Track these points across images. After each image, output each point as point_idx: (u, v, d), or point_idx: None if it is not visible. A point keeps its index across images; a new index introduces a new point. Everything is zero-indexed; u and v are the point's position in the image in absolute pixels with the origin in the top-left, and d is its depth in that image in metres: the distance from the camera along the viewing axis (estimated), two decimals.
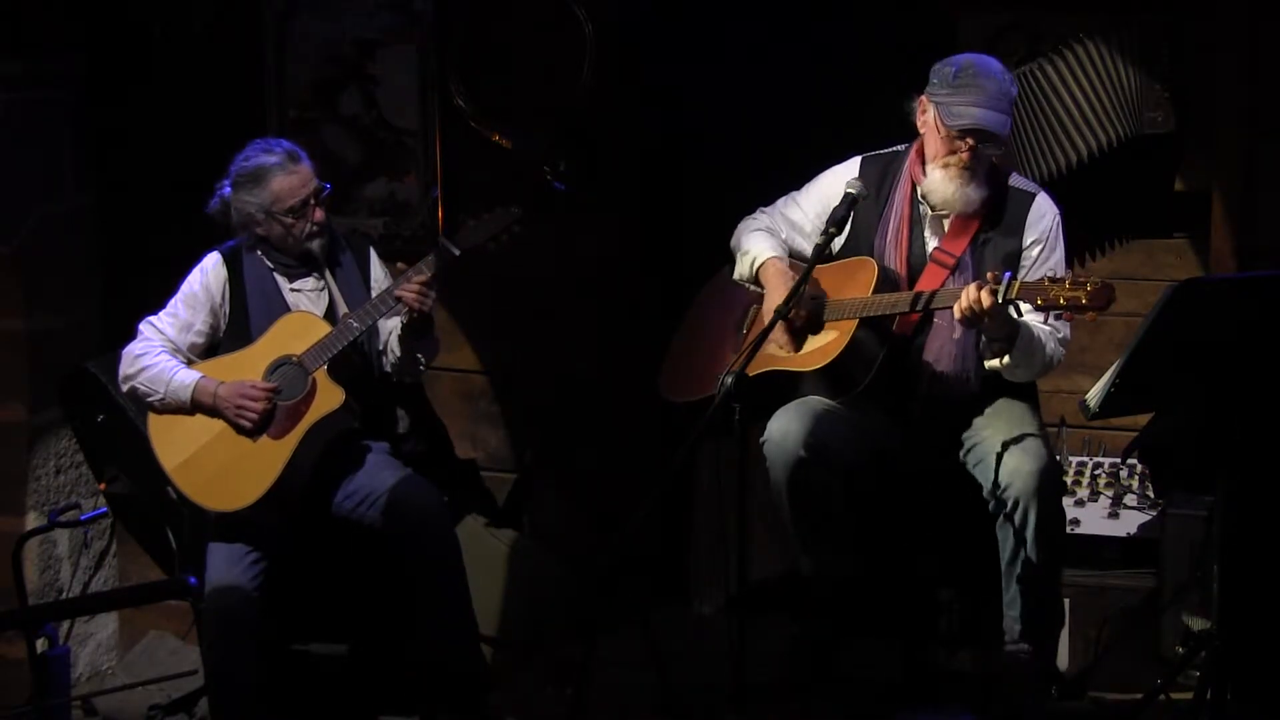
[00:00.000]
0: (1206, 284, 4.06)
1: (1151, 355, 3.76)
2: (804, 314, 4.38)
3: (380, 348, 4.74)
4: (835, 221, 4.24)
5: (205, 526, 4.64)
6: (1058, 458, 4.45)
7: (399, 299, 4.53)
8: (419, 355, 4.70)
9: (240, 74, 5.61)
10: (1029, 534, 4.24)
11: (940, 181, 4.33)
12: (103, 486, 5.23)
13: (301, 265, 4.73)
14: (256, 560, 4.57)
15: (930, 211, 4.40)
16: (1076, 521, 4.67)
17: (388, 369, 4.75)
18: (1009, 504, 4.25)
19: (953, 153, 4.29)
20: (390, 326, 4.70)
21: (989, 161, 4.33)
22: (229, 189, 4.67)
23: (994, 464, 4.27)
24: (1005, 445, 4.27)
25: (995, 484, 4.27)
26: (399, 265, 4.82)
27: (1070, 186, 4.92)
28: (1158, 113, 4.90)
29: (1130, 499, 4.80)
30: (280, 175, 4.62)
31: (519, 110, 5.38)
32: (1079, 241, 5.02)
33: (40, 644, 4.90)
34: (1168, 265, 5.07)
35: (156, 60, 5.67)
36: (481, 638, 4.81)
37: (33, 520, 5.51)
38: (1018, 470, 4.24)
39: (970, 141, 4.26)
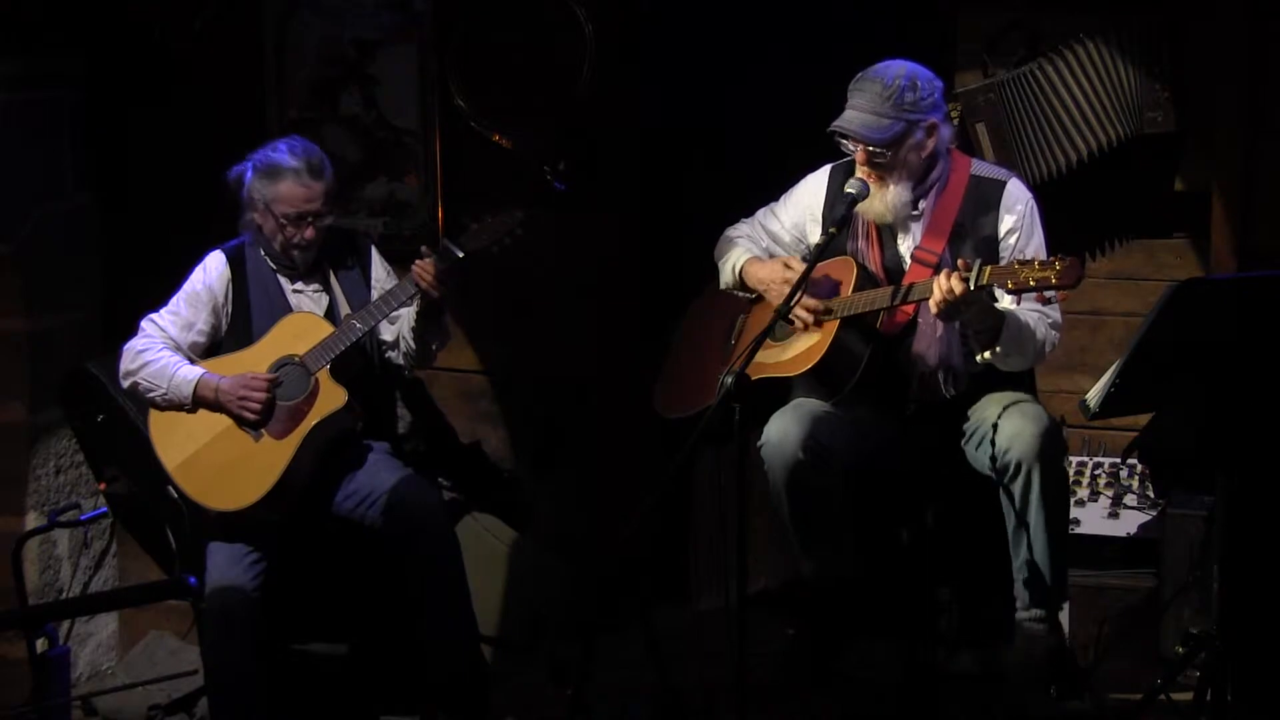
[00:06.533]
0: (1206, 284, 4.06)
1: (1151, 355, 3.76)
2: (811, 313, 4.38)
3: (393, 339, 4.75)
4: (836, 222, 4.24)
5: (205, 526, 4.64)
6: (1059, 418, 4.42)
7: (415, 281, 4.53)
8: (432, 344, 4.71)
9: (240, 74, 5.61)
10: (1033, 497, 4.21)
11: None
12: (103, 486, 5.23)
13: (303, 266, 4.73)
14: (256, 560, 4.57)
15: None
16: (1077, 521, 4.66)
17: (400, 360, 4.76)
18: (1011, 468, 4.23)
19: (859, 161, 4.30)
20: (403, 317, 4.71)
21: (914, 165, 4.29)
22: (251, 171, 4.67)
23: (992, 434, 4.25)
24: (1003, 412, 4.25)
25: (995, 452, 4.24)
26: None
27: (1070, 186, 4.92)
28: (1158, 113, 4.90)
29: (1130, 499, 4.79)
30: (291, 181, 4.62)
31: (519, 110, 5.38)
32: (1079, 242, 5.02)
33: (40, 644, 4.89)
34: (1168, 265, 5.07)
35: (156, 60, 5.67)
36: (481, 638, 4.81)
37: (33, 520, 5.51)
38: (1018, 434, 4.21)
39: (858, 147, 4.25)
